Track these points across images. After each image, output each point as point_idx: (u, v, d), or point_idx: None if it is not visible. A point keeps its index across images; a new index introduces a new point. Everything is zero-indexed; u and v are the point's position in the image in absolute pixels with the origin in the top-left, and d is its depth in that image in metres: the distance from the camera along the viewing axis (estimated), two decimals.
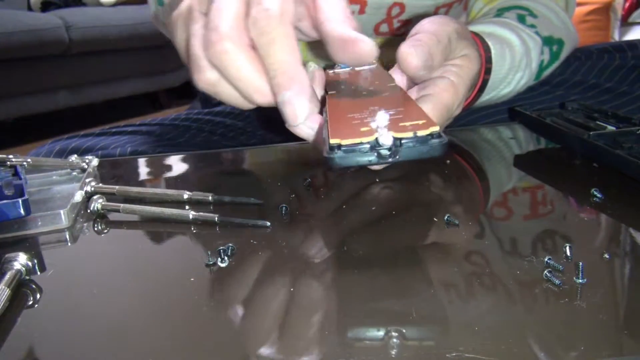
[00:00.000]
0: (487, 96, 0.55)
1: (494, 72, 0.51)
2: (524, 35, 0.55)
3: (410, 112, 0.31)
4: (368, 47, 0.32)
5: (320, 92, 0.41)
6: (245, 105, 0.36)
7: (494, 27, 0.54)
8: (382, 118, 0.29)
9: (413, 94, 0.41)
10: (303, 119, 0.33)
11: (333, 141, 0.28)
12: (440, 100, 0.39)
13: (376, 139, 0.28)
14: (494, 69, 0.51)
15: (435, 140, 0.28)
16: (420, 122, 0.29)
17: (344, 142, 0.28)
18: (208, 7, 0.34)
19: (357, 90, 0.39)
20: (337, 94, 0.38)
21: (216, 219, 0.34)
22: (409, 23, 0.66)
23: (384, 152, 0.28)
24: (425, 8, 0.63)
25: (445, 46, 0.39)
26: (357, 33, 0.33)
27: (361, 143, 0.28)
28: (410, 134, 0.28)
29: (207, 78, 0.34)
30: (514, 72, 0.54)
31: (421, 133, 0.28)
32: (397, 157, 0.28)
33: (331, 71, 0.45)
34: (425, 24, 0.40)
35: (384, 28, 0.66)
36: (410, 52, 0.37)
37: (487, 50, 0.50)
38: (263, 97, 0.33)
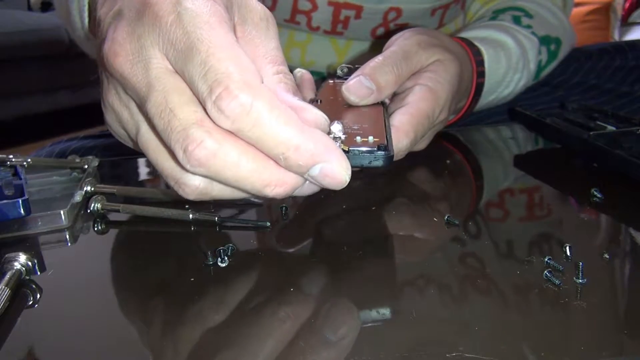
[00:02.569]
0: (487, 99, 0.55)
1: (490, 75, 0.51)
2: (519, 36, 0.55)
3: (372, 130, 0.32)
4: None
5: (309, 96, 0.41)
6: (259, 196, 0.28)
7: (488, 31, 0.55)
8: (336, 129, 0.30)
9: (393, 105, 0.41)
10: (349, 177, 0.26)
11: None
12: (417, 109, 0.38)
13: None
14: (489, 72, 0.51)
15: (380, 152, 0.29)
16: (375, 139, 0.30)
17: None
18: (144, 104, 0.26)
19: (341, 102, 0.39)
20: (320, 102, 0.38)
21: (216, 219, 0.34)
22: (407, 26, 0.66)
23: None
24: (421, 11, 0.63)
25: (396, 66, 0.39)
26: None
27: None
28: (359, 147, 0.29)
29: (196, 187, 0.27)
30: (512, 73, 0.54)
31: (368, 144, 0.30)
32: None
33: (331, 81, 0.45)
34: (379, 57, 0.40)
35: (381, 31, 0.66)
36: (347, 90, 0.38)
37: (476, 54, 0.50)
38: (280, 187, 0.26)
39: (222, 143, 0.25)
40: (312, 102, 0.39)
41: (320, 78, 0.72)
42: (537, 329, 0.23)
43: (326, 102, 0.39)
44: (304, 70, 0.44)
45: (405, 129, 0.37)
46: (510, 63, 0.53)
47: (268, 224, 0.34)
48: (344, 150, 0.28)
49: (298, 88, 0.38)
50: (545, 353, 0.21)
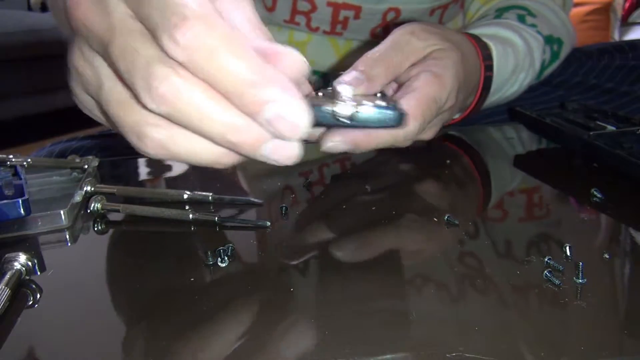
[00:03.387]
0: (495, 97, 0.54)
1: (499, 73, 0.51)
2: (525, 35, 0.55)
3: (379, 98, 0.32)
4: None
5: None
6: (219, 159, 0.27)
7: (496, 29, 0.55)
8: (344, 90, 0.30)
9: (400, 93, 0.41)
10: (307, 124, 0.24)
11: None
12: (423, 94, 0.38)
13: (334, 107, 0.28)
14: (498, 69, 0.51)
15: (390, 110, 0.29)
16: (382, 102, 0.30)
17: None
18: (107, 49, 0.25)
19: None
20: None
21: (216, 219, 0.34)
22: None
23: (342, 113, 0.28)
24: (420, 11, 0.63)
25: (386, 56, 0.39)
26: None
27: (324, 103, 0.28)
28: (365, 103, 0.29)
29: (159, 140, 0.26)
30: (518, 72, 0.54)
31: (379, 102, 0.29)
32: (355, 119, 0.29)
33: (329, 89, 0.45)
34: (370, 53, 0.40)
35: (380, 32, 0.66)
36: (339, 83, 0.36)
37: (484, 48, 0.50)
38: (245, 133, 0.25)
39: (187, 79, 0.24)
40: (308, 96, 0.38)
41: (320, 77, 0.72)
42: (537, 329, 0.23)
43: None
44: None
45: (413, 113, 0.37)
46: (518, 61, 0.53)
47: (268, 223, 0.34)
48: (354, 111, 0.28)
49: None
50: (545, 353, 0.21)
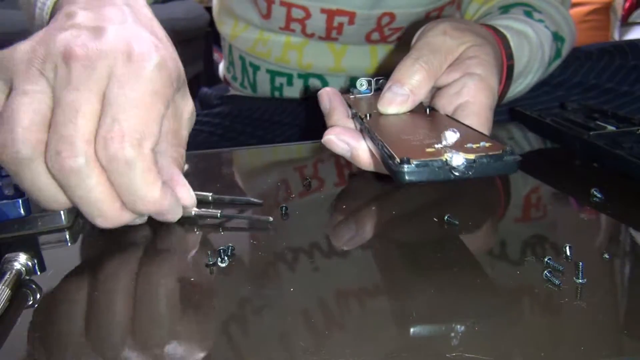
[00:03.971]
0: (512, 88, 0.54)
1: (517, 65, 0.50)
2: (537, 30, 0.55)
3: (467, 134, 0.31)
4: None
5: (341, 111, 0.41)
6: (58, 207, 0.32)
7: (508, 21, 0.54)
8: (451, 137, 0.29)
9: (444, 100, 0.40)
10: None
11: (401, 156, 0.28)
12: (480, 105, 0.38)
13: (446, 159, 0.27)
14: (516, 59, 0.50)
15: (509, 157, 0.27)
16: (487, 144, 0.29)
17: (415, 158, 0.27)
18: (59, 94, 0.29)
19: (385, 115, 0.38)
20: (375, 116, 0.37)
21: (218, 214, 0.35)
22: (401, 30, 0.66)
23: (459, 167, 0.27)
24: (415, 15, 0.63)
25: (424, 62, 0.39)
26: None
27: (433, 159, 0.27)
28: (482, 153, 0.27)
29: (33, 173, 0.29)
30: (532, 64, 0.53)
31: (493, 152, 0.28)
32: (471, 173, 0.27)
33: (351, 96, 0.44)
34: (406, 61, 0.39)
35: (376, 36, 0.66)
36: (382, 104, 0.38)
37: (502, 37, 0.49)
38: (106, 221, 0.31)
39: (90, 167, 0.28)
40: (359, 117, 0.38)
41: (318, 78, 0.72)
42: (537, 329, 0.23)
43: (378, 115, 0.38)
44: (327, 88, 0.43)
45: (482, 129, 0.37)
46: (532, 53, 0.53)
47: (271, 218, 0.34)
48: (469, 160, 0.27)
49: (330, 106, 0.41)
50: (545, 353, 0.21)
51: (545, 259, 0.28)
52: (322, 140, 0.38)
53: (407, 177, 0.27)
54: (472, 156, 0.27)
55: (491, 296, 0.26)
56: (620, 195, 0.37)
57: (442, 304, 0.25)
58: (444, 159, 0.27)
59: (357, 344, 0.22)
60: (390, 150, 0.29)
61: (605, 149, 0.40)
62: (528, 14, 0.58)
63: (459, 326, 0.23)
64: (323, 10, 0.62)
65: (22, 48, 0.30)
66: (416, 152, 0.28)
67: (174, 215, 0.33)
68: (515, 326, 0.24)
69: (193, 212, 0.35)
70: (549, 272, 0.27)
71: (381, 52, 0.69)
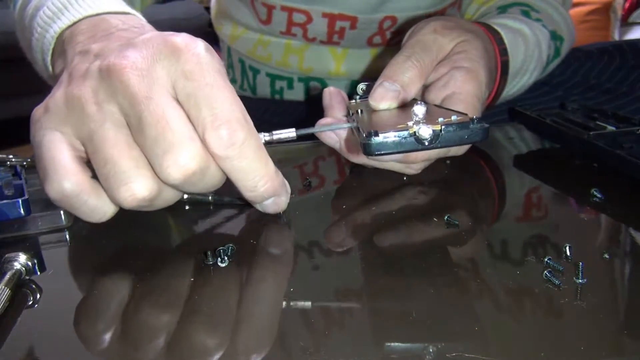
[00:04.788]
0: (508, 87, 0.54)
1: (511, 59, 0.51)
2: (534, 29, 0.55)
3: (441, 112, 0.32)
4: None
5: (339, 111, 0.41)
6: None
7: (505, 20, 0.54)
8: (419, 110, 0.29)
9: (432, 94, 0.41)
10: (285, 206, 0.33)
11: (371, 130, 0.29)
12: (467, 94, 0.39)
13: (414, 131, 0.28)
14: (511, 55, 0.50)
15: (475, 125, 0.28)
16: (457, 117, 0.29)
17: (382, 130, 0.28)
18: (132, 113, 0.27)
19: (378, 112, 0.39)
20: (366, 112, 0.38)
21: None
22: (403, 32, 0.66)
23: (424, 137, 0.28)
24: (417, 18, 0.63)
25: (416, 59, 0.40)
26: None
27: (399, 130, 0.28)
28: (448, 123, 0.28)
29: (146, 194, 0.28)
30: (528, 62, 0.53)
31: (460, 120, 0.29)
32: (438, 142, 0.28)
33: (352, 101, 0.45)
34: (392, 63, 0.40)
35: (377, 40, 0.66)
36: (374, 99, 0.38)
37: (495, 33, 0.49)
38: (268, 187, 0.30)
39: (208, 163, 0.28)
40: (350, 114, 0.38)
41: (318, 81, 0.71)
42: (537, 329, 0.23)
43: (369, 110, 0.39)
44: (332, 87, 0.44)
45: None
46: (528, 51, 0.53)
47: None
48: (434, 130, 0.28)
49: (329, 103, 0.43)
50: (545, 353, 0.21)
51: (545, 259, 0.28)
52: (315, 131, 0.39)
53: (374, 149, 0.28)
54: (438, 127, 0.28)
55: (491, 296, 0.26)
56: (620, 195, 0.37)
57: (442, 303, 0.25)
58: (412, 132, 0.28)
59: (356, 344, 0.22)
60: (362, 128, 0.31)
61: (605, 149, 0.40)
62: (525, 14, 0.58)
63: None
64: (324, 15, 0.62)
65: (53, 103, 0.29)
66: (386, 127, 0.29)
67: (286, 196, 0.33)
68: (515, 326, 0.24)
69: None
70: (549, 272, 0.27)
71: (383, 55, 0.69)
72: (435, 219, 0.34)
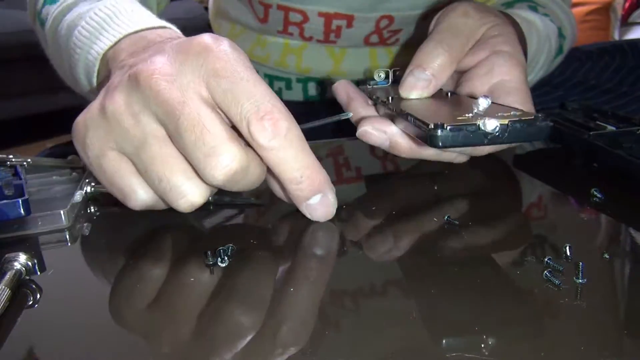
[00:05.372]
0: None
1: (527, 52, 0.50)
2: (545, 23, 0.55)
3: (497, 107, 0.31)
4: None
5: (361, 96, 0.41)
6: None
7: (517, 11, 0.54)
8: (483, 103, 0.29)
9: (476, 82, 0.39)
10: (334, 209, 0.32)
11: (436, 122, 0.29)
12: (518, 81, 0.37)
13: (479, 124, 0.28)
14: (528, 48, 0.49)
15: (542, 123, 0.29)
16: (518, 112, 0.29)
17: (449, 123, 0.28)
18: (169, 121, 0.28)
19: (408, 100, 0.38)
20: (396, 100, 0.37)
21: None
22: (400, 32, 0.66)
23: (492, 131, 0.28)
24: (414, 17, 0.63)
25: (447, 45, 0.38)
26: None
27: (467, 124, 0.28)
28: (515, 118, 0.28)
29: (197, 201, 0.30)
30: (539, 55, 0.53)
31: (526, 117, 0.29)
32: (505, 137, 0.28)
33: (368, 86, 0.44)
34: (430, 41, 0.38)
35: (374, 39, 0.66)
36: (404, 89, 0.38)
37: (514, 22, 0.48)
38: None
39: (251, 160, 0.28)
40: (382, 102, 0.37)
41: (317, 83, 0.71)
42: (537, 329, 0.23)
43: (403, 99, 0.37)
44: (341, 81, 0.43)
45: (528, 106, 0.36)
46: (540, 43, 0.52)
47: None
48: (502, 125, 0.28)
49: (348, 96, 0.42)
50: (545, 353, 0.21)
51: (545, 259, 0.28)
52: (357, 134, 0.38)
53: (441, 141, 0.28)
54: (505, 121, 0.28)
55: (491, 296, 0.26)
56: (620, 195, 0.37)
57: (442, 304, 0.25)
58: (478, 124, 0.28)
59: (356, 344, 0.22)
60: (422, 120, 0.30)
61: (605, 149, 0.40)
62: (533, 9, 0.58)
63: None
64: (321, 14, 0.62)
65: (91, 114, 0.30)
66: (448, 119, 0.29)
67: (333, 196, 0.32)
68: (515, 326, 0.24)
69: None
70: (549, 272, 0.27)
71: (381, 54, 0.69)
72: (435, 219, 0.34)
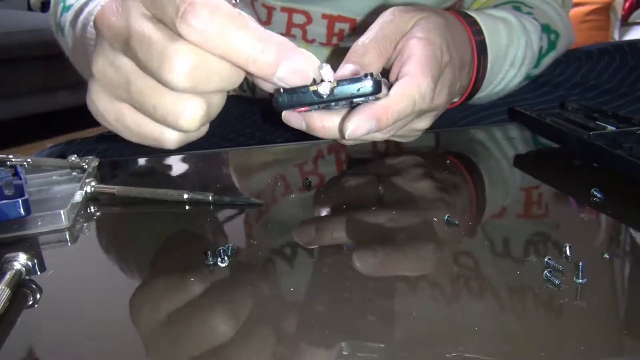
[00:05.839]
0: (496, 77, 0.53)
1: (492, 44, 0.50)
2: (520, 17, 0.55)
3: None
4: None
5: None
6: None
7: (487, 10, 0.54)
8: (326, 72, 0.32)
9: (395, 67, 0.41)
10: (314, 69, 0.31)
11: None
12: (419, 55, 0.39)
13: (316, 88, 0.31)
14: (491, 41, 0.50)
15: (368, 79, 0.32)
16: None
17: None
18: (128, 43, 0.29)
19: None
20: None
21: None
22: None
23: (322, 91, 0.31)
24: None
25: (374, 41, 0.40)
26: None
27: (301, 87, 0.31)
28: (344, 78, 0.32)
29: (195, 115, 0.30)
30: (515, 48, 0.53)
31: (354, 76, 0.32)
32: (334, 95, 0.31)
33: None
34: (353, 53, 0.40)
35: None
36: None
37: (466, 16, 0.49)
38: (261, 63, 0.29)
39: (204, 54, 0.28)
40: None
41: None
42: (537, 329, 0.23)
43: None
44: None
45: (421, 70, 0.37)
46: (512, 36, 0.52)
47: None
48: (332, 86, 0.32)
49: None
50: (545, 353, 0.21)
51: (546, 259, 0.28)
52: (283, 118, 0.39)
53: (281, 103, 0.32)
54: (334, 82, 0.31)
55: (491, 296, 0.26)
56: (620, 195, 0.37)
57: (442, 303, 0.25)
58: (313, 89, 0.31)
59: (357, 343, 0.22)
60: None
61: (605, 149, 0.40)
62: (516, 9, 0.58)
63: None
64: (324, 16, 0.62)
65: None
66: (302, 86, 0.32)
67: (302, 57, 0.31)
68: (515, 326, 0.24)
69: (185, 195, 0.35)
70: (549, 272, 0.27)
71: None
72: (435, 219, 0.34)
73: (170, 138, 0.32)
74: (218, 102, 0.32)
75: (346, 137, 0.35)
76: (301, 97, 0.32)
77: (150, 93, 0.30)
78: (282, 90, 0.32)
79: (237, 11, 0.29)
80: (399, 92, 0.36)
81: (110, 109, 0.32)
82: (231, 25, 0.28)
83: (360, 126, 0.35)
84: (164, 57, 0.28)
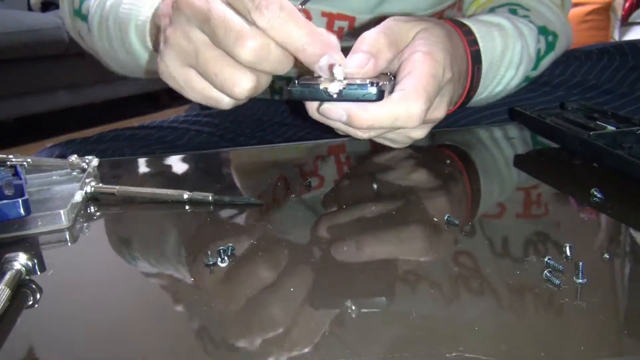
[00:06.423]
0: (492, 82, 0.53)
1: (486, 51, 0.50)
2: (515, 21, 0.55)
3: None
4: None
5: None
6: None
7: (480, 16, 0.54)
8: (338, 71, 0.35)
9: (399, 78, 0.41)
10: (343, 68, 0.36)
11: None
12: (421, 72, 0.39)
13: (327, 86, 0.35)
14: (484, 47, 0.50)
15: (372, 87, 0.35)
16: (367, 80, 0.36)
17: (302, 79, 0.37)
18: (209, 17, 0.35)
19: None
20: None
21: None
22: None
23: (331, 90, 0.35)
24: None
25: (379, 42, 0.41)
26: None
27: (315, 82, 0.36)
28: (353, 82, 0.36)
29: (251, 85, 0.36)
30: (511, 53, 0.53)
31: (362, 82, 0.36)
32: (340, 96, 0.35)
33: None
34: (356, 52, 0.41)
35: None
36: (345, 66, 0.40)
37: (461, 25, 0.49)
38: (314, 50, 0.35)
39: (268, 40, 0.35)
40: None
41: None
42: (537, 329, 0.23)
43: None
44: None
45: (416, 90, 0.38)
46: (507, 42, 0.52)
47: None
48: (340, 86, 0.35)
49: None
50: (545, 353, 0.21)
51: (546, 259, 0.28)
52: (320, 111, 0.40)
53: (294, 93, 0.37)
54: (344, 84, 0.36)
55: (491, 296, 0.26)
56: (620, 195, 0.37)
57: (442, 303, 0.25)
58: (325, 86, 0.35)
59: (357, 343, 0.22)
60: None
61: (605, 149, 0.40)
62: (512, 12, 0.58)
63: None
64: (324, 14, 0.62)
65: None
66: (312, 80, 0.37)
67: (339, 54, 0.36)
68: (515, 326, 0.24)
69: (186, 195, 0.35)
70: (549, 272, 0.27)
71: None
72: (435, 219, 0.34)
73: (226, 100, 0.39)
74: (264, 82, 0.37)
75: (320, 111, 0.39)
76: (313, 92, 0.36)
77: (215, 63, 0.36)
78: (297, 82, 0.36)
79: (298, 9, 0.35)
80: (385, 108, 0.37)
81: (180, 73, 0.38)
82: (292, 20, 0.34)
83: (331, 112, 0.38)
84: (240, 36, 0.34)
